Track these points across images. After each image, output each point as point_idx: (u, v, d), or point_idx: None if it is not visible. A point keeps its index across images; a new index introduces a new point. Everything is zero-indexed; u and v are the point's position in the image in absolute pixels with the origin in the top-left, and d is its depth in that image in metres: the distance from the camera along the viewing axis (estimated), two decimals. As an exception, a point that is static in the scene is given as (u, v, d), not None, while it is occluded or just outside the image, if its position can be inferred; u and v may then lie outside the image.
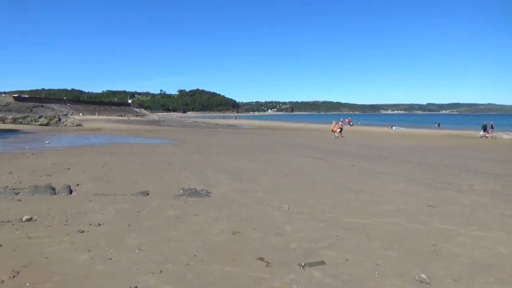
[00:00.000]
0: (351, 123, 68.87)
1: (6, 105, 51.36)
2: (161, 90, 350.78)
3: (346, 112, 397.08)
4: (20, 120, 45.99)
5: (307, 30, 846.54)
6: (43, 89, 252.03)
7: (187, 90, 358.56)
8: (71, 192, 7.63)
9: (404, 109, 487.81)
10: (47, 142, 20.29)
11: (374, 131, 51.13)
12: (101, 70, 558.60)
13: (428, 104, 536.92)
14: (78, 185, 8.39)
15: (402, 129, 57.66)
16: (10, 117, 46.50)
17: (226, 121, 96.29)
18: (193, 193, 7.69)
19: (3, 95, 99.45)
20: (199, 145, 21.19)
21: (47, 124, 46.36)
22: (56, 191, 7.55)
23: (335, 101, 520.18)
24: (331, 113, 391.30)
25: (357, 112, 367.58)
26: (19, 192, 7.41)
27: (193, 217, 6.02)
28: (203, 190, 7.94)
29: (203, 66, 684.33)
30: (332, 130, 31.75)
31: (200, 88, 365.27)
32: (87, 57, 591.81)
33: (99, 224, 5.39)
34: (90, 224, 5.37)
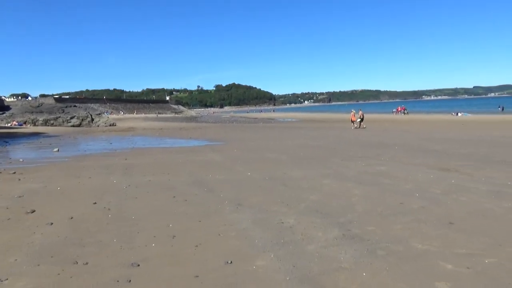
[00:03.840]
0: (406, 111, 60.98)
1: (38, 106, 49.32)
2: (198, 86, 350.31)
3: (386, 100, 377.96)
4: (52, 122, 43.14)
5: (340, 16, 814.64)
6: (87, 90, 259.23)
7: (224, 85, 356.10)
8: None
9: (449, 94, 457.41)
10: (55, 150, 15.89)
11: (437, 119, 43.86)
12: (141, 69, 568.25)
13: (475, 87, 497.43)
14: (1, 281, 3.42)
15: (470, 116, 49.74)
16: (41, 119, 43.91)
17: (264, 115, 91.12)
18: None
19: (47, 97, 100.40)
20: (247, 147, 15.98)
21: (79, 125, 43.23)
22: None
23: (374, 89, 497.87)
24: (370, 101, 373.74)
25: (397, 100, 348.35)
26: None
27: None
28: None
29: (239, 60, 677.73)
30: (351, 120, 29.51)
31: (236, 82, 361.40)
32: (128, 57, 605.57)
33: None
34: None
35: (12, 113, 46.90)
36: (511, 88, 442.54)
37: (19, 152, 16.07)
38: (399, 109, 62.72)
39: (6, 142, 21.62)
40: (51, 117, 45.15)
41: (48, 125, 42.41)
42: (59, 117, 45.05)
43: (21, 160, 12.88)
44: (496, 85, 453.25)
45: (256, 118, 68.84)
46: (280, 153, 13.39)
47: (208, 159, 12.45)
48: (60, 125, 42.94)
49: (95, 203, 6.45)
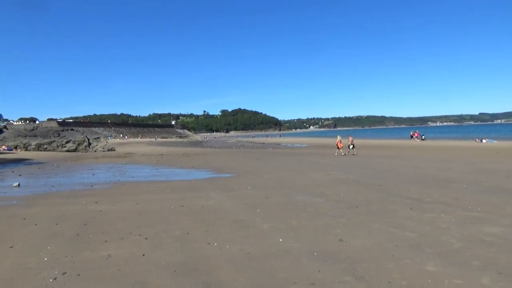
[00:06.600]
0: (423, 136, 56.70)
1: (32, 130, 46.32)
2: (204, 111, 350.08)
3: (392, 126, 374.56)
4: (45, 146, 39.91)
5: (345, 43, 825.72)
6: (94, 115, 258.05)
7: (230, 110, 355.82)
8: None
9: (454, 120, 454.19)
10: (15, 185, 12.33)
11: (462, 146, 39.54)
12: (148, 95, 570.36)
13: (481, 113, 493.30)
14: None
15: (496, 142, 45.50)
16: (34, 143, 40.72)
17: (271, 140, 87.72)
18: None
19: (51, 121, 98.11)
20: (264, 183, 12.26)
21: (75, 150, 39.99)
22: None
23: (379, 115, 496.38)
24: (375, 127, 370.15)
25: (403, 126, 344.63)
26: None
27: None
28: None
29: (245, 85, 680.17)
30: (337, 147, 26.93)
31: (242, 108, 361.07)
32: (135, 83, 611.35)
33: None
34: None
35: (4, 137, 43.82)
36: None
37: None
38: (416, 135, 58.72)
39: (-26, 171, 18.19)
40: (45, 141, 42.01)
41: (41, 150, 39.20)
42: (54, 141, 41.89)
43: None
44: (502, 111, 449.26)
45: (263, 143, 65.42)
46: (312, 194, 9.68)
47: (212, 204, 8.76)
48: (54, 149, 39.73)
49: None
